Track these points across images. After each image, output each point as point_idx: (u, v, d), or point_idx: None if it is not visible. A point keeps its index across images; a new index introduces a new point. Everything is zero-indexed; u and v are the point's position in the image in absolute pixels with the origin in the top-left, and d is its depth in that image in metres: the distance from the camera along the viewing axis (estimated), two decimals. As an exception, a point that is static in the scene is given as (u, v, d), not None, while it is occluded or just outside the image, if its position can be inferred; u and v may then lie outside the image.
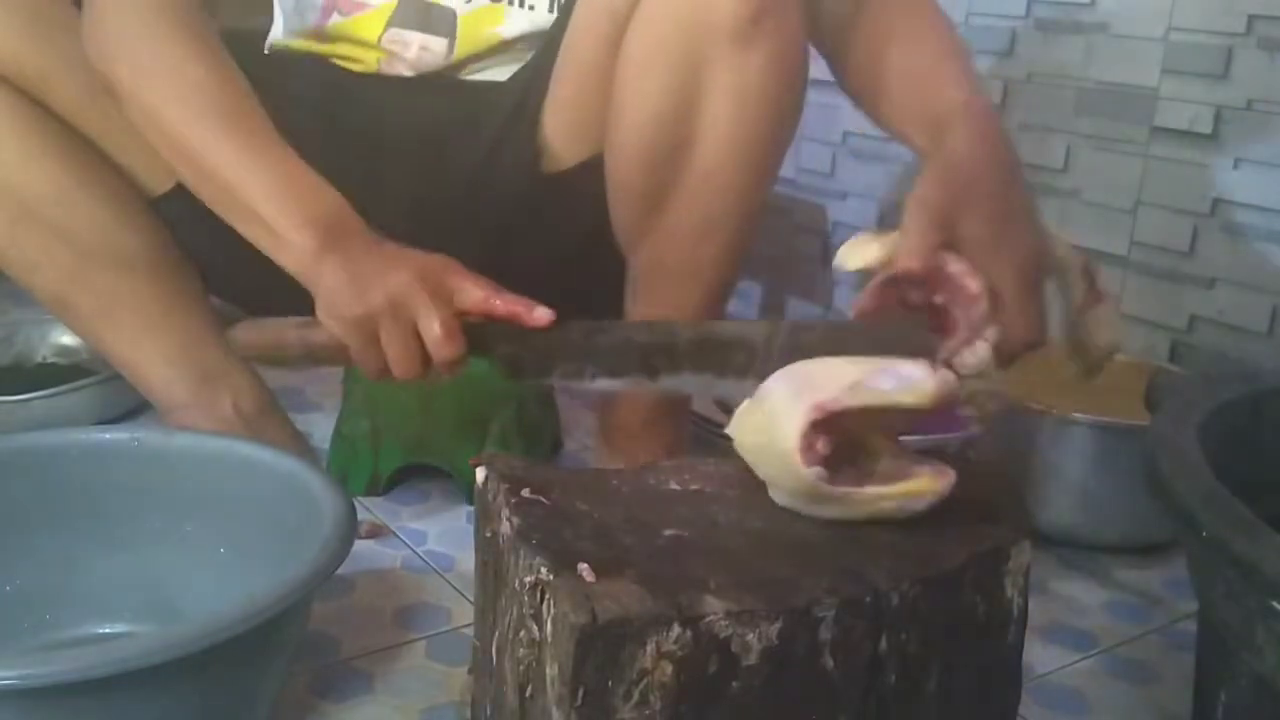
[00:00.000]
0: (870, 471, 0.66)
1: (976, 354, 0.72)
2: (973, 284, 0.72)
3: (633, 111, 0.92)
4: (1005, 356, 0.74)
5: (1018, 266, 0.75)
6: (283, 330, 0.85)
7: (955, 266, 0.73)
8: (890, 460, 0.67)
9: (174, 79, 0.86)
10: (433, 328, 0.78)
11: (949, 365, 0.71)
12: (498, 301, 0.79)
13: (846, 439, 0.65)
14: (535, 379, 0.82)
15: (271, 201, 0.83)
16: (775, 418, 0.65)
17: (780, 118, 0.93)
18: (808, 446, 0.63)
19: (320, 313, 0.81)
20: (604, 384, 0.79)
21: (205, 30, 0.89)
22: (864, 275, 0.78)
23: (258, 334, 0.86)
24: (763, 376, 0.70)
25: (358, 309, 0.79)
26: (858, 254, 0.77)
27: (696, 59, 0.88)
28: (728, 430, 0.69)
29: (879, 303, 0.75)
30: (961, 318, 0.73)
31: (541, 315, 0.79)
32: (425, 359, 0.79)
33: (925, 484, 0.66)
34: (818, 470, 0.63)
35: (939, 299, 0.74)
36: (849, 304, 0.78)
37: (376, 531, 1.08)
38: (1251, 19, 1.21)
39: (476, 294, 0.79)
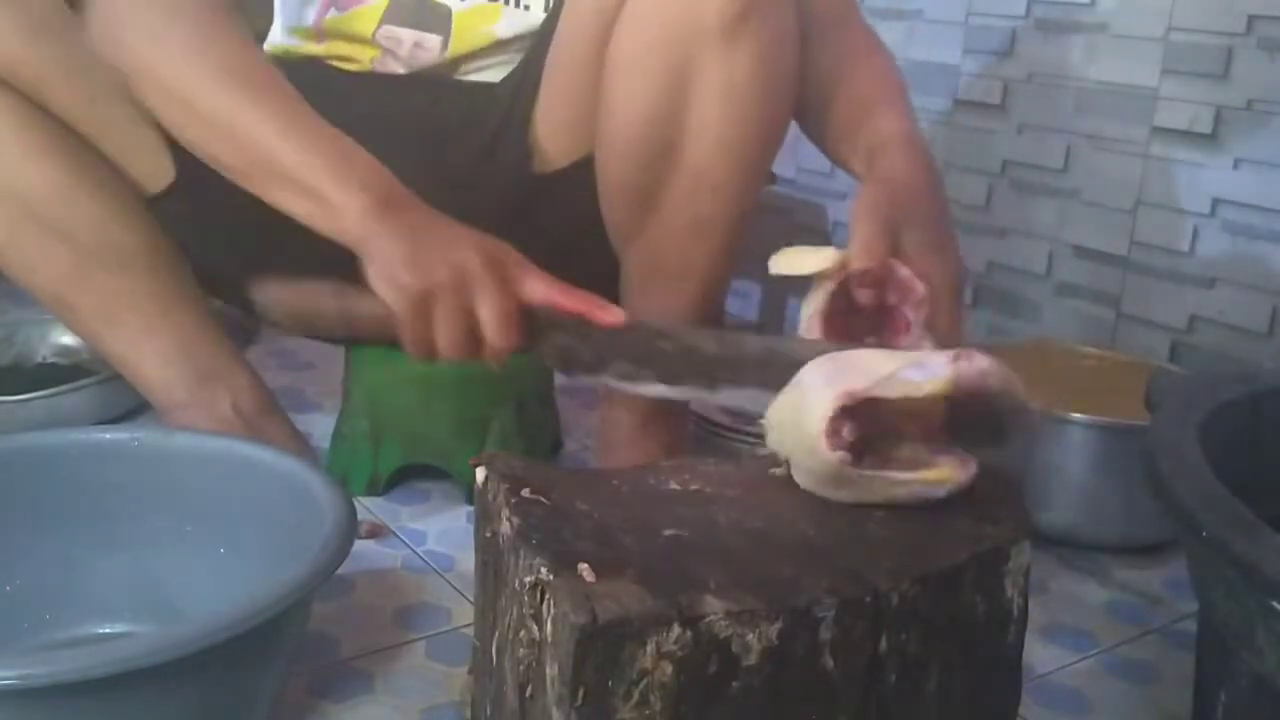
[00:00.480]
0: (892, 458, 0.68)
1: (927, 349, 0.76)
2: (920, 287, 0.77)
3: (621, 111, 0.92)
4: None
5: (950, 275, 0.80)
6: (320, 296, 0.83)
7: (904, 270, 0.78)
8: (913, 449, 0.68)
9: (205, 58, 0.84)
10: (494, 312, 0.76)
11: None
12: (564, 296, 0.78)
13: (877, 427, 0.67)
14: (587, 375, 0.79)
15: (320, 167, 0.80)
16: (806, 400, 0.66)
17: (770, 116, 0.93)
18: (833, 431, 0.65)
19: (374, 279, 0.78)
20: (660, 390, 0.78)
21: (228, 14, 0.88)
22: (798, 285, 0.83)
23: (294, 296, 0.83)
24: None
25: (419, 280, 0.76)
26: (793, 262, 0.80)
27: (684, 57, 0.88)
28: (765, 416, 0.71)
29: (830, 306, 0.80)
30: (913, 318, 0.78)
31: (615, 315, 0.77)
32: (476, 342, 0.77)
33: (947, 473, 0.67)
34: (841, 455, 0.65)
35: (892, 299, 0.79)
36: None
37: (376, 531, 1.08)
38: (1251, 19, 1.22)
39: (541, 287, 0.78)
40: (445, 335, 0.77)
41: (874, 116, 0.94)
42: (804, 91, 0.98)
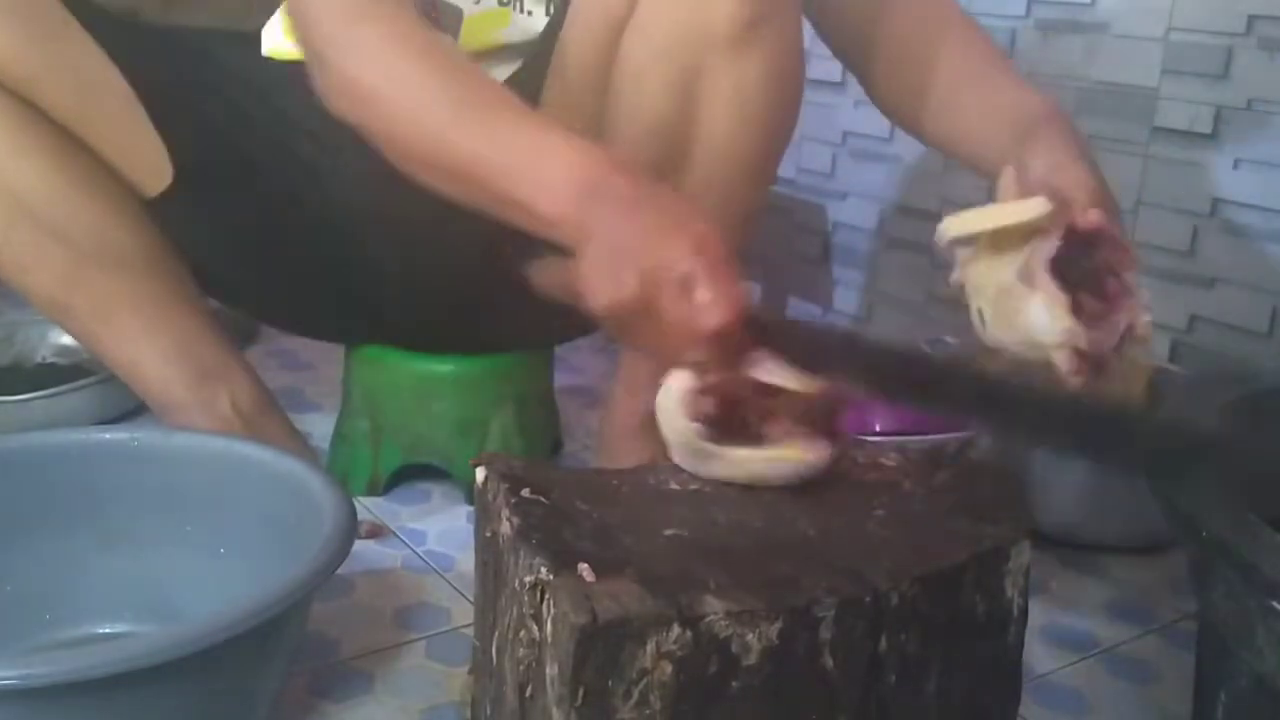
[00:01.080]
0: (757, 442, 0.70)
1: (1149, 320, 0.72)
2: (1130, 249, 0.72)
3: (630, 117, 0.92)
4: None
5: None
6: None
7: (1115, 229, 0.72)
8: (778, 433, 0.70)
9: (415, 99, 0.80)
10: (705, 299, 0.68)
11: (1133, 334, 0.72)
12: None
13: (746, 412, 0.69)
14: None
15: (524, 187, 0.74)
16: (672, 381, 0.70)
17: (778, 123, 0.93)
18: (692, 402, 0.68)
19: (581, 284, 0.72)
20: None
21: (422, 32, 0.84)
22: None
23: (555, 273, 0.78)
24: None
25: (616, 290, 0.70)
26: (995, 215, 0.74)
27: (694, 65, 0.88)
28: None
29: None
30: (1129, 282, 0.72)
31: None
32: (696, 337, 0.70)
33: (792, 452, 0.69)
34: (696, 426, 0.68)
35: (1112, 260, 0.73)
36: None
37: (376, 531, 1.08)
38: (1251, 19, 1.21)
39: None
40: (653, 339, 0.72)
41: (1003, 90, 0.93)
42: (898, 78, 0.99)
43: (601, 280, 0.70)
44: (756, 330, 0.70)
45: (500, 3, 1.02)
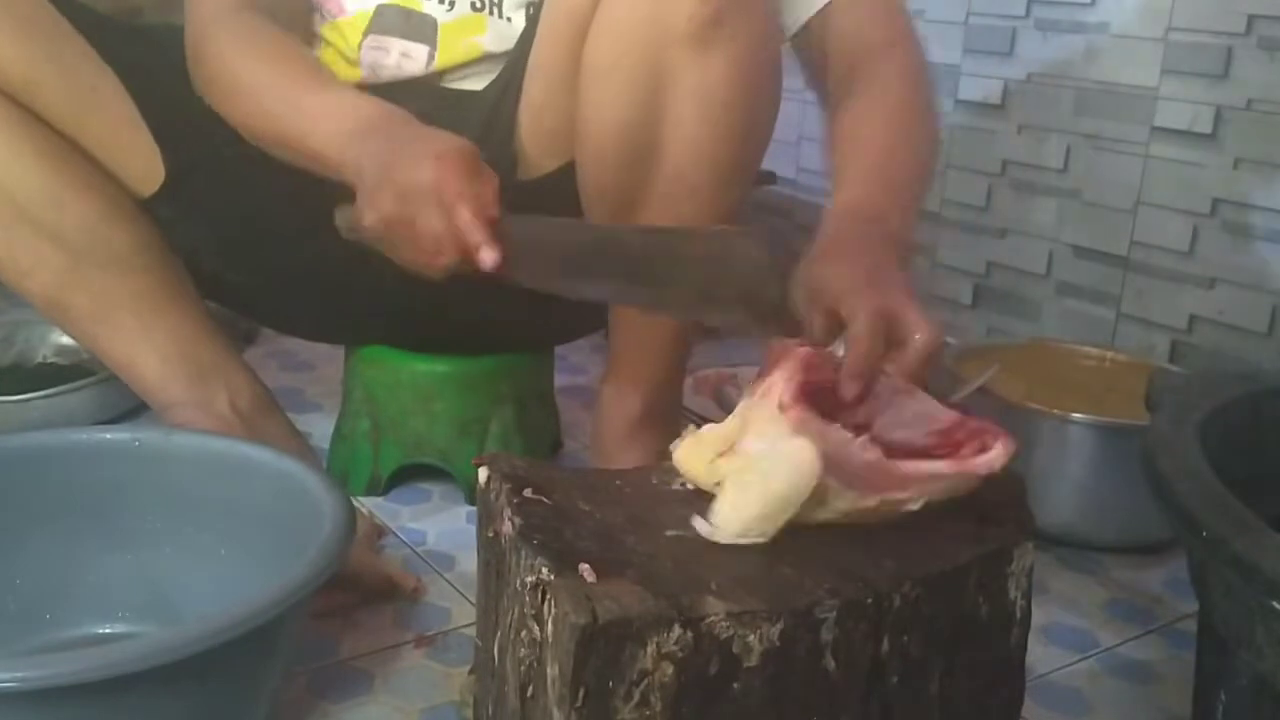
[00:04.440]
0: None
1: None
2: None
3: (598, 116, 0.92)
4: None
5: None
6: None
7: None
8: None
9: (254, 86, 0.93)
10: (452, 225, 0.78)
11: None
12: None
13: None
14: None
15: (317, 139, 0.87)
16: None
17: (749, 119, 0.92)
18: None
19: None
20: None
21: (266, 28, 0.96)
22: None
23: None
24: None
25: (376, 212, 0.81)
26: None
27: (658, 63, 0.87)
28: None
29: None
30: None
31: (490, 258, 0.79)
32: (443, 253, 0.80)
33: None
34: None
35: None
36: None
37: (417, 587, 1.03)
38: (1251, 19, 1.22)
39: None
40: (413, 253, 0.82)
41: (843, 176, 0.90)
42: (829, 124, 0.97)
43: (366, 202, 0.81)
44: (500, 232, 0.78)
45: (474, 8, 1.01)
